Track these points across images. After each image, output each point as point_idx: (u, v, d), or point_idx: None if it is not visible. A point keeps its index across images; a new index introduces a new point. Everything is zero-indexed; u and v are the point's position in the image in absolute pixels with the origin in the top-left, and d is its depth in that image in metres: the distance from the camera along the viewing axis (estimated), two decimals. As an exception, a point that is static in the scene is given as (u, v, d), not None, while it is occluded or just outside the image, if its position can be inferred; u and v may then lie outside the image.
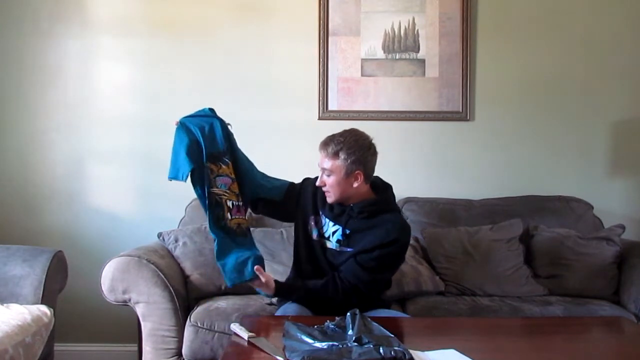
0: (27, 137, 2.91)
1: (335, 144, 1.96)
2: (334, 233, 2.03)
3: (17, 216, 2.90)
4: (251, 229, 2.16)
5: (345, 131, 2.00)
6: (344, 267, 1.98)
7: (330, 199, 2.01)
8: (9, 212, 2.90)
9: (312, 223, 2.09)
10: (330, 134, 2.01)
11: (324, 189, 2.01)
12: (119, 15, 2.91)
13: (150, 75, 2.92)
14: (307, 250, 2.09)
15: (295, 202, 2.14)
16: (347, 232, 2.00)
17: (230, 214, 2.03)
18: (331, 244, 2.04)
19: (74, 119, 2.91)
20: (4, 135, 2.91)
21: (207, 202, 2.00)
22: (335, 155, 1.95)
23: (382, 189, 2.07)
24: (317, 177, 2.06)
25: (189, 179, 1.98)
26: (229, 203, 2.03)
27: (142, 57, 2.92)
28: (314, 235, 2.07)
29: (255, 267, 1.91)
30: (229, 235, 2.01)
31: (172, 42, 2.91)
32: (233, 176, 2.06)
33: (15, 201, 2.91)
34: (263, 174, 2.17)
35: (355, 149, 1.94)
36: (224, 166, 2.05)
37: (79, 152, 2.92)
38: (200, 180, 2.00)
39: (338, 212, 2.02)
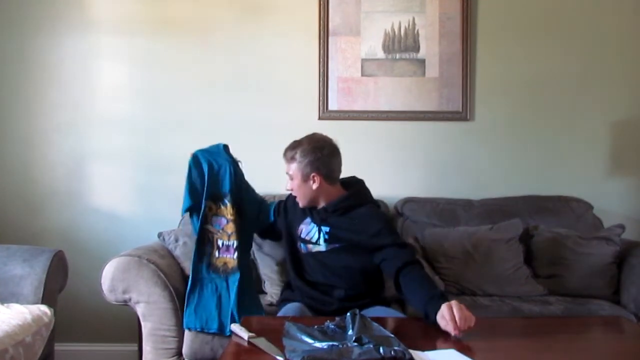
0: (27, 137, 2.91)
1: (291, 149, 2.06)
2: (319, 233, 2.07)
3: (17, 216, 2.90)
4: None
5: (305, 136, 2.08)
6: (392, 259, 1.90)
7: (300, 202, 2.10)
8: (9, 212, 2.90)
9: (299, 234, 2.12)
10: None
11: (293, 193, 2.10)
12: (119, 15, 2.90)
13: (150, 75, 2.92)
14: (297, 266, 2.12)
15: (283, 218, 2.22)
16: (328, 229, 2.04)
17: (218, 252, 2.18)
18: (320, 246, 2.07)
19: (73, 119, 2.91)
20: (4, 135, 2.91)
21: (197, 237, 2.18)
22: (292, 159, 2.05)
23: (353, 185, 2.13)
24: None
25: (187, 214, 2.23)
26: (219, 242, 2.18)
27: (142, 57, 2.92)
28: (303, 249, 2.11)
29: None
30: (208, 273, 2.16)
31: (172, 42, 2.91)
32: (230, 217, 2.17)
33: (15, 201, 2.91)
34: (262, 201, 2.32)
35: (308, 153, 2.02)
36: (222, 207, 2.18)
37: (79, 152, 2.92)
38: (198, 216, 2.17)
39: (317, 213, 2.08)
